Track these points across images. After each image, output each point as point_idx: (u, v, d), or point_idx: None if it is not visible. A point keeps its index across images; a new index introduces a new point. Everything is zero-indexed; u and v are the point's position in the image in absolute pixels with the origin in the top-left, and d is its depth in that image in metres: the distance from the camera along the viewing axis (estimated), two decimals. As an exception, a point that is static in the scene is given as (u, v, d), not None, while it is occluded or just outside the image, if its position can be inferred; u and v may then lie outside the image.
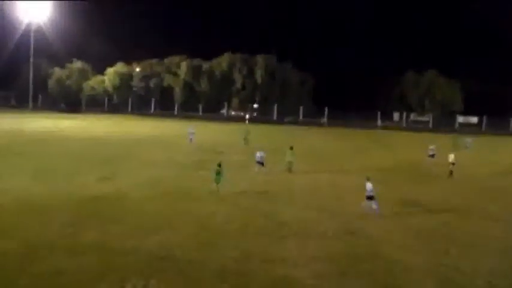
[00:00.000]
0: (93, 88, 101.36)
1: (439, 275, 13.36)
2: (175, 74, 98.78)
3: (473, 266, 14.10)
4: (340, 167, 32.27)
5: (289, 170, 28.64)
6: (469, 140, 49.80)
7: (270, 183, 24.90)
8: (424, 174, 31.07)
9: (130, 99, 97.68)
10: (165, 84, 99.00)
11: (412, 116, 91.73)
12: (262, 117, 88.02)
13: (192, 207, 19.68)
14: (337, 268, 13.48)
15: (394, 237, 16.52)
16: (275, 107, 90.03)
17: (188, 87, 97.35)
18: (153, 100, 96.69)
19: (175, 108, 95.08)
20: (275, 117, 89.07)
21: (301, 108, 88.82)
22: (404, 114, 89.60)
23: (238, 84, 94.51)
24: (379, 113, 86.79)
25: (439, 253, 15.17)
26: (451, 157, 29.78)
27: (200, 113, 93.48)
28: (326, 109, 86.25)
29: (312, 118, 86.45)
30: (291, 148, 29.63)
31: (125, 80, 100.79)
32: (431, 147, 35.31)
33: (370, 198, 19.64)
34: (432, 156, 34.17)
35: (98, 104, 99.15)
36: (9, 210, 17.94)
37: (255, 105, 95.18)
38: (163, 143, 39.40)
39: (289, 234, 16.42)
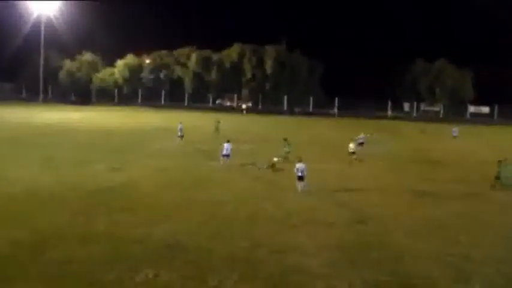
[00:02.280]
0: (103, 80, 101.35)
1: (448, 263, 13.24)
2: (185, 65, 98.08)
3: (483, 254, 13.98)
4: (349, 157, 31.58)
5: (287, 159, 27.87)
6: (455, 129, 48.43)
7: (279, 174, 24.72)
8: (433, 162, 30.82)
9: (140, 91, 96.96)
10: (174, 75, 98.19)
11: (423, 106, 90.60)
12: (272, 108, 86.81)
13: (201, 196, 19.67)
14: (347, 256, 13.40)
15: (404, 226, 16.40)
16: (285, 97, 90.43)
17: (198, 78, 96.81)
18: (163, 91, 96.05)
19: (185, 99, 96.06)
20: (285, 107, 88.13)
21: (311, 98, 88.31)
22: (415, 104, 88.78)
23: (248, 75, 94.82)
24: (389, 103, 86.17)
25: (449, 241, 14.99)
26: (351, 147, 29.60)
27: (210, 104, 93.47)
28: (336, 99, 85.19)
29: (322, 108, 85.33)
30: (285, 139, 29.72)
31: (135, 71, 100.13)
32: (360, 136, 34.91)
33: (300, 178, 20.36)
34: (361, 144, 33.69)
35: (108, 96, 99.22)
36: (20, 200, 18.03)
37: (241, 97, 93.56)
38: (173, 134, 38.62)
39: (298, 223, 16.38)
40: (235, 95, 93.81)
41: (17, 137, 36.51)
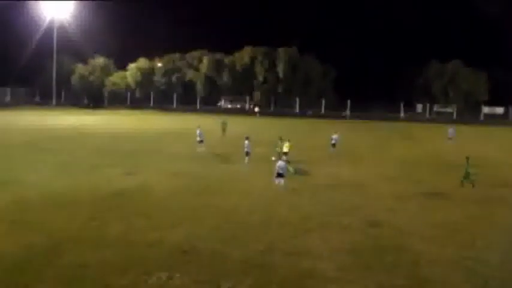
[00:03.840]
0: (115, 84, 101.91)
1: (464, 267, 13.01)
2: (197, 69, 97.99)
3: (500, 259, 13.73)
4: (361, 160, 31.61)
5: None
6: (451, 130, 45.54)
7: (294, 178, 24.06)
8: (447, 165, 30.16)
9: (152, 94, 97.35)
10: (186, 78, 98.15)
11: (436, 107, 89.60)
12: (284, 111, 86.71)
13: (215, 200, 19.43)
14: (362, 261, 13.25)
15: (419, 229, 16.15)
16: (297, 100, 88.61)
17: (210, 81, 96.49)
18: (175, 95, 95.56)
19: (197, 102, 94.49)
20: (297, 109, 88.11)
21: (323, 101, 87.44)
22: (428, 105, 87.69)
23: (260, 78, 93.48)
24: (402, 104, 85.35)
25: (464, 245, 14.76)
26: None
27: (222, 107, 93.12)
28: (348, 102, 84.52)
29: (334, 111, 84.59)
30: (280, 138, 29.26)
31: (147, 75, 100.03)
32: (334, 136, 34.07)
33: (279, 175, 20.82)
34: (333, 145, 33.24)
35: (120, 100, 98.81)
36: (34, 205, 18.00)
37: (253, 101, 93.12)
38: (186, 137, 38.88)
39: (313, 226, 16.20)
40: (247, 97, 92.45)
41: (31, 141, 36.45)
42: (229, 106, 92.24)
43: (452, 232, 16.09)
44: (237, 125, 52.34)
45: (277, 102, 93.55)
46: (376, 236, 15.38)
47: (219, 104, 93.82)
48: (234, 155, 30.97)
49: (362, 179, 25.11)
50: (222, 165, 27.94)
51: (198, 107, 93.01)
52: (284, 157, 24.65)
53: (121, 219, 16.35)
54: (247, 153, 27.79)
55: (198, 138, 33.36)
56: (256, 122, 63.16)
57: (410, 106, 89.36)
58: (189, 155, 31.21)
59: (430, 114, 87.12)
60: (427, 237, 15.47)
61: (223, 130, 43.09)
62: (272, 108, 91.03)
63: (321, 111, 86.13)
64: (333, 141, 33.91)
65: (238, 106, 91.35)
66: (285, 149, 28.31)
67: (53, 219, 16.11)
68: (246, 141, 28.04)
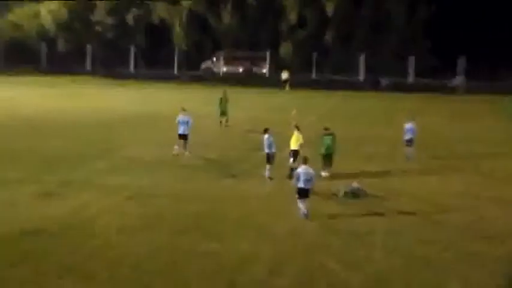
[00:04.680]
0: (17, 27, 75.45)
1: None
2: (175, 1, 73.28)
3: None
4: (477, 167, 26.08)
5: (329, 165, 23.48)
6: None
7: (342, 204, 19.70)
8: None
9: (90, 49, 72.91)
10: (154, 18, 73.67)
11: None
12: (335, 79, 65.28)
13: (208, 245, 14.85)
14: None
15: None
16: (361, 58, 66.06)
17: (197, 22, 73.35)
18: (132, 49, 71.43)
19: (175, 63, 70.86)
20: (361, 76, 66.83)
21: (411, 60, 64.47)
22: None
23: (292, 18, 70.11)
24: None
25: None
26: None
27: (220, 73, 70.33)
28: (458, 62, 62.56)
29: (432, 77, 64.23)
30: (327, 129, 24.03)
31: (79, 13, 74.49)
32: (408, 125, 26.98)
33: (303, 193, 18.07)
34: (409, 143, 27.25)
35: (29, 57, 72.78)
36: None
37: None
38: (155, 129, 33.68)
39: None
40: (267, 53, 68.53)
41: None
42: (225, 69, 71.24)
43: None
44: (248, 105, 44.99)
45: (322, 63, 69.01)
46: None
47: (205, 66, 71.88)
48: (242, 161, 25.74)
49: (473, 194, 20.39)
50: (222, 181, 22.52)
51: (175, 71, 71.17)
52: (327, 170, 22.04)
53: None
54: (268, 158, 23.25)
55: (180, 131, 27.33)
56: (284, 101, 50.57)
57: None
58: (160, 161, 25.52)
59: None
60: None
61: (223, 114, 35.78)
62: (314, 75, 68.57)
63: (407, 78, 65.70)
64: (408, 136, 27.43)
65: (253, 69, 70.65)
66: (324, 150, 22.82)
67: None
68: (266, 137, 23.04)
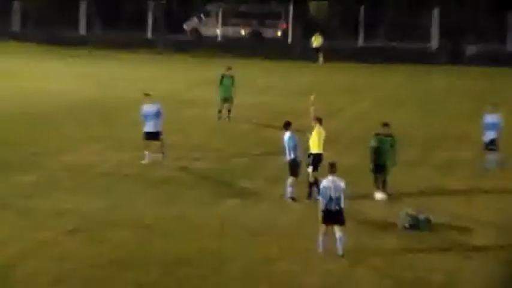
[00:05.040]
0: None
1: None
2: None
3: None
4: None
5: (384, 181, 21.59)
6: None
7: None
8: None
9: (17, 5, 65.89)
10: None
11: None
12: (390, 47, 59.16)
13: None
14: None
15: None
16: (434, 15, 58.28)
17: None
18: (83, 3, 64.80)
19: (148, 23, 65.06)
20: (434, 43, 59.55)
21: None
22: None
23: None
24: None
25: None
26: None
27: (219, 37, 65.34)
28: None
29: None
30: (385, 126, 21.76)
31: None
32: (489, 117, 26.75)
33: (332, 217, 17.71)
34: (491, 146, 26.34)
35: None
36: None
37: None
38: (120, 125, 30.10)
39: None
40: (288, 12, 62.36)
41: None
42: (221, 31, 65.94)
43: None
44: (258, 88, 41.57)
45: (374, 24, 61.60)
46: None
47: (189, 25, 66.60)
48: (251, 173, 23.54)
49: None
50: (220, 204, 20.22)
51: (149, 35, 65.50)
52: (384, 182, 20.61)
53: None
54: (292, 168, 20.57)
55: (146, 128, 24.64)
56: (314, 80, 45.84)
57: None
58: (122, 173, 23.21)
59: None
60: None
61: (226, 100, 32.77)
62: (361, 41, 60.92)
63: (505, 45, 58.75)
64: (490, 136, 25.26)
65: (262, 32, 64.83)
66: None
67: None
68: (287, 136, 20.73)
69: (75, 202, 19.75)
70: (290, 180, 20.13)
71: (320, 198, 16.25)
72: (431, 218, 18.40)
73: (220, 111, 31.86)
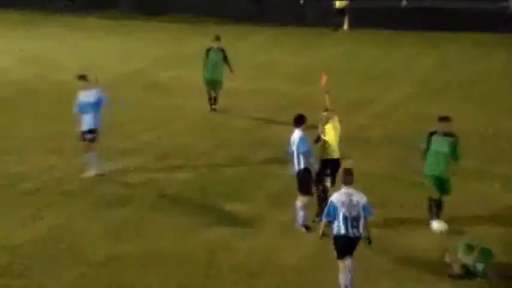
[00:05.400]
0: None
1: None
2: None
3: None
4: None
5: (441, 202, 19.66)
6: None
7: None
8: None
9: None
10: None
11: None
12: (453, 7, 52.93)
13: None
14: None
15: None
16: None
17: None
18: None
19: None
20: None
21: None
22: None
23: None
24: None
25: None
26: None
27: None
28: None
29: None
30: (443, 121, 19.72)
31: None
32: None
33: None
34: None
35: None
36: None
37: None
38: (58, 117, 27.39)
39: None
40: None
41: None
42: None
43: None
44: (255, 65, 39.40)
45: None
46: None
47: None
48: (245, 189, 21.88)
49: None
50: (200, 233, 19.07)
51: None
52: None
53: None
54: (304, 183, 18.98)
55: (83, 125, 22.62)
56: (336, 53, 44.55)
57: None
58: (58, 190, 21.60)
59: None
60: None
61: (212, 83, 30.96)
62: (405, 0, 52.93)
63: None
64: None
65: None
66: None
67: None
68: (297, 136, 18.88)
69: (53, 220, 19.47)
70: (302, 200, 18.48)
71: (324, 218, 15.30)
72: (493, 253, 16.92)
73: (211, 99, 30.39)
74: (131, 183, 23.01)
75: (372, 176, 22.42)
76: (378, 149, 24.91)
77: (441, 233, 18.58)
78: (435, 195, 19.43)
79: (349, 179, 14.97)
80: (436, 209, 19.07)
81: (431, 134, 19.19)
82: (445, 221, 19.06)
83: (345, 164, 19.20)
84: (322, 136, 19.49)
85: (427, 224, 18.95)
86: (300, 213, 18.76)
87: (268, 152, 24.82)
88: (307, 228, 18.61)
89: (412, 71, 40.54)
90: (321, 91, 21.29)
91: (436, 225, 18.87)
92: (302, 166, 18.95)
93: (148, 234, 19.30)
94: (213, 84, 30.81)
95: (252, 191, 22.07)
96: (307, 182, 19.16)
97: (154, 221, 20.16)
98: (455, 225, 19.50)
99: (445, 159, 19.34)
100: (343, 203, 14.85)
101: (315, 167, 19.49)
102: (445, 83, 37.41)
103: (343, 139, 20.32)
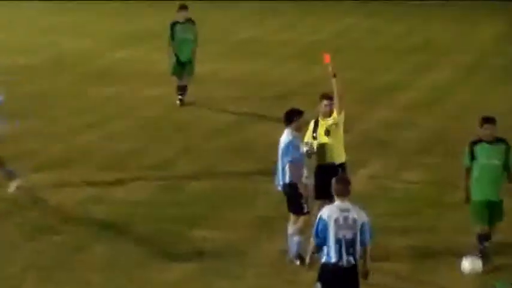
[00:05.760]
0: None
1: None
2: None
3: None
4: None
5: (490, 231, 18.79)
6: None
7: None
8: None
9: None
10: None
11: None
12: None
13: None
14: None
15: None
16: None
17: None
18: None
19: None
20: None
21: None
22: None
23: None
24: None
25: None
26: None
27: None
28: None
29: None
30: (488, 123, 19.25)
31: None
32: None
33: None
34: None
35: None
36: None
37: None
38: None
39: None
40: None
41: None
42: None
43: None
44: (242, 43, 40.32)
45: None
46: None
47: None
48: (226, 205, 21.87)
49: None
50: (172, 268, 18.44)
51: None
52: None
53: None
54: (295, 201, 18.69)
55: None
56: (350, 25, 47.10)
57: None
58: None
59: None
60: None
61: (180, 69, 30.70)
62: None
63: None
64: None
65: None
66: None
67: None
68: (286, 138, 18.61)
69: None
70: (295, 222, 18.08)
71: (313, 239, 13.97)
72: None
73: (181, 89, 29.12)
74: (57, 205, 22.08)
75: (396, 192, 22.47)
76: (408, 155, 24.34)
77: (476, 273, 17.31)
78: (483, 229, 18.24)
79: (344, 189, 13.66)
80: (485, 244, 18.14)
81: (474, 143, 17.97)
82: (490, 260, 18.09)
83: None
84: (311, 146, 19.15)
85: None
86: (294, 240, 18.06)
87: (251, 161, 24.08)
88: (302, 260, 17.02)
89: (462, 45, 41.18)
90: (327, 75, 19.28)
91: (470, 264, 17.38)
92: (287, 180, 18.37)
93: (80, 276, 17.91)
94: (183, 67, 29.56)
95: (228, 214, 21.17)
96: (296, 198, 18.46)
97: (90, 258, 18.91)
98: (498, 259, 18.81)
99: (498, 174, 18.43)
100: (335, 221, 13.72)
101: (308, 181, 18.69)
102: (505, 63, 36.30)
103: (355, 139, 21.41)
